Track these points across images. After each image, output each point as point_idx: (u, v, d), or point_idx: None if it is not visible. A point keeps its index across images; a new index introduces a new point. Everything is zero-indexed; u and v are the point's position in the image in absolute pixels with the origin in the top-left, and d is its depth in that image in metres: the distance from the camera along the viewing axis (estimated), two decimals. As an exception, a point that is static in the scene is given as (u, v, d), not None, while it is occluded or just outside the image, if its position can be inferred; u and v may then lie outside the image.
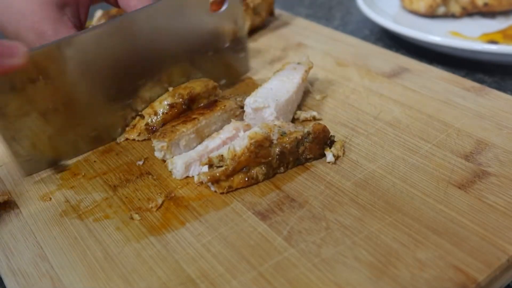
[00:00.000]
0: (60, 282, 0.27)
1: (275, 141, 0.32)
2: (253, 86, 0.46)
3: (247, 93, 0.42)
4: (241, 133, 0.35)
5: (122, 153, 0.38)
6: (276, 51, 0.53)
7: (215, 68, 0.44)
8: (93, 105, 0.37)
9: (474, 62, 0.52)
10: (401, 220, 0.29)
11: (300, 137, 0.33)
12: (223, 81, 0.45)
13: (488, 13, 0.61)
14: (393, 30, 0.56)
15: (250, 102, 0.37)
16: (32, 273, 0.28)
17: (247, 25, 0.55)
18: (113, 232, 0.30)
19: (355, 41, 0.53)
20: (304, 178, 0.33)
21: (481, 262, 0.26)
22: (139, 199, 0.33)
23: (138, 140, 0.38)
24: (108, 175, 0.35)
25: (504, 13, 0.61)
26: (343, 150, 0.35)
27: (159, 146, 0.35)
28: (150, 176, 0.35)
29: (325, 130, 0.34)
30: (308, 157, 0.34)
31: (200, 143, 0.36)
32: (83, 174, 0.36)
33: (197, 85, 0.40)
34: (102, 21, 0.54)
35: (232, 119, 0.36)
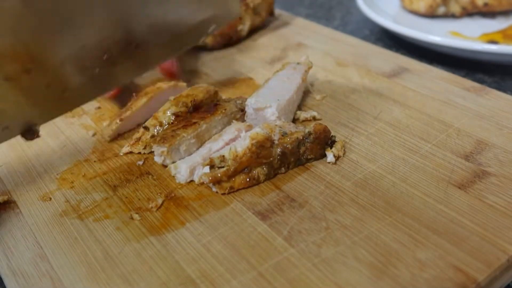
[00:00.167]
0: (60, 282, 0.27)
1: (276, 142, 0.32)
2: (253, 86, 0.46)
3: (247, 93, 0.42)
4: (243, 134, 0.35)
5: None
6: (276, 51, 0.53)
7: (203, 10, 0.41)
8: (63, 65, 0.34)
9: (474, 62, 0.52)
10: (401, 220, 0.29)
11: (301, 137, 0.33)
12: (212, 28, 0.43)
13: (488, 13, 0.61)
14: (393, 30, 0.56)
15: (251, 102, 0.37)
16: (32, 273, 0.28)
17: (247, 25, 0.55)
18: (113, 232, 0.30)
19: (355, 41, 0.53)
20: (304, 178, 0.33)
21: (481, 262, 0.26)
22: (139, 199, 0.33)
23: (144, 153, 0.37)
24: (108, 175, 0.35)
25: (504, 13, 0.61)
26: (344, 150, 0.35)
27: (159, 151, 0.35)
28: (150, 176, 0.35)
29: (326, 131, 0.34)
30: (309, 157, 0.34)
31: (199, 147, 0.36)
32: (83, 174, 0.36)
33: (199, 92, 0.39)
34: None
35: (233, 121, 0.36)
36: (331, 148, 0.34)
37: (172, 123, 0.37)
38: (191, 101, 0.38)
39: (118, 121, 0.39)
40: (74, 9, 0.33)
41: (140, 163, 0.36)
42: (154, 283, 0.27)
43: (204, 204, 0.32)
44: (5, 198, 0.34)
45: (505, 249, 0.27)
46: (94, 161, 0.37)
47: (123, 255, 0.29)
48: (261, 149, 0.32)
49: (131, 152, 0.37)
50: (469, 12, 0.61)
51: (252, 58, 0.51)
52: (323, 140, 0.34)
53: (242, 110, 0.38)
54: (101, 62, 0.36)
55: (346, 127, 0.38)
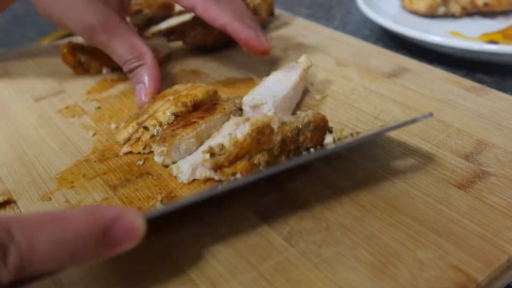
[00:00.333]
0: (60, 282, 0.27)
1: (276, 130, 0.32)
2: (253, 86, 0.46)
3: (247, 93, 0.42)
4: (242, 125, 0.34)
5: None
6: (276, 51, 0.53)
7: None
8: None
9: (474, 62, 0.52)
10: (401, 220, 0.29)
11: (300, 126, 0.33)
12: None
13: (488, 13, 0.61)
14: (393, 30, 0.56)
15: (247, 100, 0.37)
16: (32, 273, 0.28)
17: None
18: (113, 232, 0.30)
19: (355, 41, 0.53)
20: (304, 178, 0.33)
21: (481, 262, 0.26)
22: (139, 199, 0.33)
23: (144, 153, 0.37)
24: (108, 175, 0.35)
25: (504, 13, 0.61)
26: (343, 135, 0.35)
27: (159, 151, 0.35)
28: (150, 176, 0.35)
29: (324, 120, 0.34)
30: (308, 146, 0.34)
31: (200, 146, 0.36)
32: (83, 174, 0.36)
33: (199, 92, 0.39)
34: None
35: (231, 116, 0.36)
36: (331, 133, 0.35)
37: (171, 123, 0.37)
38: (190, 101, 0.38)
39: (135, 125, 0.38)
40: None
41: (140, 163, 0.36)
42: (154, 283, 0.27)
43: (204, 204, 0.32)
44: (5, 198, 0.34)
45: (505, 249, 0.27)
46: (94, 161, 0.37)
47: (123, 255, 0.29)
48: (261, 135, 0.32)
49: (131, 152, 0.37)
50: (469, 12, 0.61)
51: (252, 58, 0.51)
52: (323, 129, 0.34)
53: (241, 109, 0.38)
54: None
55: (346, 127, 0.38)
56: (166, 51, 0.52)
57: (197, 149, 0.36)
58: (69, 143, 0.40)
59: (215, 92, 0.40)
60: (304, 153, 0.34)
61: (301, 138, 0.34)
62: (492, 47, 0.48)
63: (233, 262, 0.27)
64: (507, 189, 0.31)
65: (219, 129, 0.36)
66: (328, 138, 0.34)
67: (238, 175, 0.32)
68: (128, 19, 0.54)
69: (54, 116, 0.44)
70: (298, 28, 0.58)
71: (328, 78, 0.46)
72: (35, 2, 0.41)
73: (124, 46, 0.40)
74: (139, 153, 0.37)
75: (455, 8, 0.61)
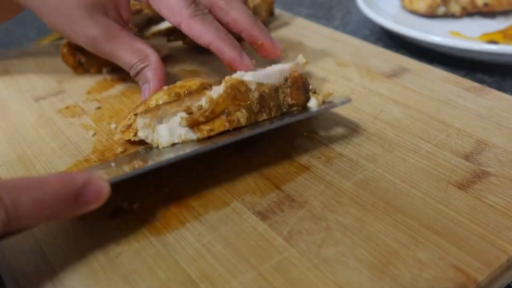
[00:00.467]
0: (60, 282, 0.27)
1: (252, 88, 0.32)
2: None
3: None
4: None
5: (122, 153, 0.38)
6: (276, 51, 0.52)
7: None
8: None
9: (474, 62, 0.52)
10: (401, 220, 0.29)
11: (277, 84, 0.33)
12: None
13: (488, 13, 0.61)
14: (393, 30, 0.56)
15: (228, 77, 0.36)
16: (32, 273, 0.28)
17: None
18: (113, 232, 0.30)
19: (355, 41, 0.53)
20: (304, 178, 0.33)
21: (481, 262, 0.26)
22: (139, 199, 0.33)
23: (134, 141, 0.37)
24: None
25: (504, 13, 0.61)
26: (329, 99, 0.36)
27: (142, 124, 0.34)
28: (150, 176, 0.35)
29: (302, 77, 0.34)
30: (290, 102, 0.34)
31: None
32: (83, 174, 0.36)
33: (193, 84, 0.39)
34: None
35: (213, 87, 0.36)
36: (314, 94, 0.35)
37: None
38: (184, 92, 0.38)
39: (132, 116, 0.38)
40: None
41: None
42: (154, 283, 0.27)
43: (204, 204, 0.32)
44: (5, 198, 0.34)
45: (505, 249, 0.27)
46: (94, 161, 0.37)
47: (123, 255, 0.29)
48: (237, 91, 0.32)
49: (128, 142, 0.37)
50: (469, 12, 0.61)
51: (252, 58, 0.51)
52: (302, 87, 0.34)
53: None
54: None
55: (346, 127, 0.38)
56: (166, 51, 0.52)
57: None
58: (69, 143, 0.40)
59: (210, 85, 0.40)
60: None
61: (281, 96, 0.33)
62: (492, 47, 0.48)
63: (233, 262, 0.27)
64: (507, 189, 0.31)
65: None
66: (312, 102, 0.34)
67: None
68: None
69: (54, 116, 0.43)
70: (298, 28, 0.58)
71: (328, 78, 0.46)
72: (40, 15, 0.43)
73: (128, 52, 0.41)
74: (130, 140, 0.37)
75: (455, 8, 0.61)
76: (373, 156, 0.35)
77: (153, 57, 0.41)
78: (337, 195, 0.32)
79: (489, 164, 0.33)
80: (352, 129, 0.38)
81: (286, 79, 0.33)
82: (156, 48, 0.51)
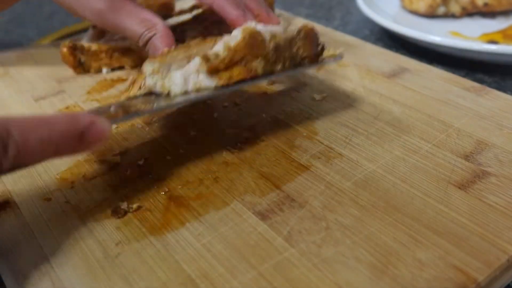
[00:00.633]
0: (60, 282, 0.27)
1: (267, 38, 0.33)
2: (253, 87, 0.46)
3: (247, 93, 0.42)
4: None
5: (122, 152, 0.38)
6: (276, 51, 0.52)
7: None
8: None
9: (474, 62, 0.52)
10: (401, 220, 0.29)
11: (290, 36, 0.34)
12: None
13: (488, 13, 0.61)
14: (393, 30, 0.56)
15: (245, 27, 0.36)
16: (32, 273, 0.28)
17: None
18: (113, 232, 0.30)
19: (355, 41, 0.53)
20: (304, 178, 0.33)
21: (481, 262, 0.26)
22: (139, 199, 0.33)
23: (140, 96, 0.35)
24: (108, 175, 0.35)
25: (504, 13, 0.61)
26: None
27: (150, 69, 0.33)
28: (150, 176, 0.35)
29: (314, 30, 0.35)
30: (303, 55, 0.34)
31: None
32: (83, 174, 0.36)
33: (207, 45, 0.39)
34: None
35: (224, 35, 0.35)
36: (322, 53, 0.36)
37: None
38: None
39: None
40: None
41: (140, 162, 0.36)
42: (154, 283, 0.27)
43: (204, 204, 0.32)
44: (5, 198, 0.34)
45: (505, 249, 0.27)
46: (94, 161, 0.37)
47: (123, 255, 0.29)
48: (254, 40, 0.32)
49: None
50: (469, 12, 0.61)
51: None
52: (313, 39, 0.35)
53: None
54: None
55: (346, 127, 0.38)
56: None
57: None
58: (69, 143, 0.40)
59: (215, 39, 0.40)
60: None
61: (294, 47, 0.34)
62: (492, 47, 0.48)
63: (233, 262, 0.27)
64: (507, 189, 0.31)
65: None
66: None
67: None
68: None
69: (54, 116, 0.43)
70: (298, 28, 0.58)
71: (328, 78, 0.46)
72: None
73: (135, 22, 0.41)
74: (136, 96, 0.35)
75: (455, 8, 0.61)
76: (373, 156, 0.35)
77: (160, 26, 0.41)
78: (337, 195, 0.32)
79: (489, 164, 0.33)
80: (352, 129, 0.38)
81: (299, 32, 0.33)
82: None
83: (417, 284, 0.25)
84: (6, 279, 0.28)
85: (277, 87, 0.45)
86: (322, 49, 0.36)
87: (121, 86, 0.48)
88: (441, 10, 0.62)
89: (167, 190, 0.33)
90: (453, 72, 0.46)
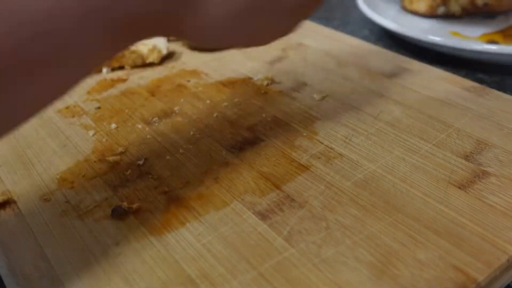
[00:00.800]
0: (60, 282, 0.27)
1: None
2: (253, 86, 0.46)
3: (248, 93, 0.42)
4: None
5: (122, 152, 0.38)
6: (276, 51, 0.53)
7: None
8: None
9: (474, 62, 0.52)
10: (401, 220, 0.29)
11: None
12: None
13: (488, 13, 0.61)
14: (393, 30, 0.56)
15: None
16: (32, 273, 0.28)
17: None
18: (113, 232, 0.30)
19: (355, 41, 0.53)
20: (304, 178, 0.33)
21: (481, 262, 0.26)
22: (139, 199, 0.33)
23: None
24: (108, 175, 0.35)
25: (504, 13, 0.61)
26: None
27: None
28: (150, 176, 0.35)
29: None
30: None
31: None
32: (83, 174, 0.36)
33: None
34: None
35: None
36: None
37: None
38: None
39: None
40: None
41: (140, 162, 0.36)
42: (154, 283, 0.27)
43: (204, 204, 0.32)
44: (5, 198, 0.34)
45: (505, 249, 0.27)
46: (94, 161, 0.37)
47: (123, 255, 0.29)
48: None
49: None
50: (469, 12, 0.61)
51: (252, 58, 0.51)
52: None
53: None
54: None
55: (346, 127, 0.38)
56: (166, 51, 0.52)
57: None
58: (69, 143, 0.40)
59: None
60: None
61: None
62: (492, 47, 0.48)
63: (233, 262, 0.27)
64: (507, 189, 0.31)
65: None
66: None
67: None
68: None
69: (54, 116, 0.44)
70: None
71: (328, 78, 0.46)
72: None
73: None
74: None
75: (455, 8, 0.61)
76: (373, 156, 0.35)
77: None
78: (337, 195, 0.32)
79: (489, 164, 0.33)
80: (352, 129, 0.38)
81: None
82: (156, 48, 0.51)
83: (417, 284, 0.25)
84: (6, 279, 0.28)
85: (277, 87, 0.45)
86: None
87: (122, 86, 0.48)
88: (441, 10, 0.62)
89: (167, 190, 0.33)
90: (453, 72, 0.46)
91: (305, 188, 0.32)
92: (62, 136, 0.41)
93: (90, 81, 0.49)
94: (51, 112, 0.44)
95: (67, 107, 0.45)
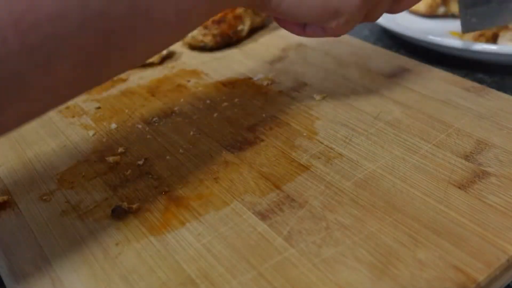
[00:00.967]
0: (60, 282, 0.27)
1: None
2: (253, 86, 0.46)
3: (248, 93, 0.42)
4: None
5: (122, 152, 0.38)
6: (276, 51, 0.53)
7: None
8: None
9: (474, 62, 0.52)
10: (401, 220, 0.29)
11: None
12: None
13: (488, 13, 0.61)
14: (393, 30, 0.56)
15: None
16: (32, 273, 0.28)
17: (247, 25, 0.55)
18: (113, 232, 0.30)
19: (355, 41, 0.53)
20: (304, 178, 0.33)
21: (481, 262, 0.26)
22: (139, 199, 0.33)
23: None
24: (108, 175, 0.35)
25: (504, 13, 0.61)
26: None
27: None
28: (150, 176, 0.35)
29: None
30: None
31: None
32: (83, 174, 0.36)
33: None
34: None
35: None
36: None
37: None
38: None
39: None
40: None
41: (140, 162, 0.36)
42: (154, 283, 0.27)
43: (204, 204, 0.32)
44: (5, 198, 0.34)
45: (505, 249, 0.27)
46: (94, 161, 0.37)
47: (123, 255, 0.29)
48: None
49: None
50: (469, 12, 0.61)
51: (252, 58, 0.51)
52: None
53: None
54: None
55: (346, 127, 0.38)
56: (166, 51, 0.52)
57: None
58: (69, 143, 0.40)
59: None
60: None
61: None
62: (492, 47, 0.48)
63: (233, 262, 0.27)
64: (507, 189, 0.31)
65: None
66: None
67: None
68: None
69: (54, 116, 0.43)
70: (298, 28, 0.58)
71: (328, 78, 0.46)
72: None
73: None
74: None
75: (455, 8, 0.61)
76: (373, 156, 0.35)
77: None
78: (337, 195, 0.32)
79: (489, 164, 0.33)
80: (352, 129, 0.38)
81: None
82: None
83: (417, 284, 0.25)
84: (6, 279, 0.28)
85: (277, 87, 0.45)
86: None
87: (122, 86, 0.48)
88: (441, 10, 0.62)
89: (167, 190, 0.33)
90: (453, 72, 0.46)
91: (305, 188, 0.32)
92: (62, 136, 0.41)
93: (90, 81, 0.49)
94: (51, 112, 0.44)
95: (67, 107, 0.45)
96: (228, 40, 0.54)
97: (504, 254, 0.26)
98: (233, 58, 0.52)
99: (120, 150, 0.38)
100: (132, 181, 0.35)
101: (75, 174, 0.36)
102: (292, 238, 0.28)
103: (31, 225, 0.32)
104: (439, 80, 0.44)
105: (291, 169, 0.34)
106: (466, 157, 0.34)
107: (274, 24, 0.60)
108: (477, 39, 0.52)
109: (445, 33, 0.58)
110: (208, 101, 0.44)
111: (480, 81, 0.46)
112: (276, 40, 0.55)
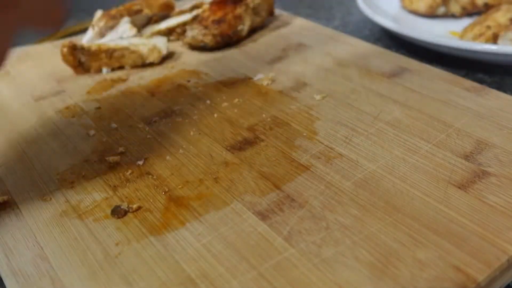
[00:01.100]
0: (60, 282, 0.27)
1: None
2: (253, 86, 0.46)
3: (247, 93, 0.42)
4: None
5: (122, 152, 0.38)
6: (276, 51, 0.53)
7: None
8: None
9: (474, 62, 0.52)
10: (401, 220, 0.29)
11: None
12: None
13: (488, 13, 0.61)
14: (393, 30, 0.56)
15: None
16: (32, 273, 0.28)
17: (247, 25, 0.55)
18: (113, 232, 0.30)
19: (355, 41, 0.53)
20: (304, 178, 0.33)
21: (481, 262, 0.26)
22: (139, 199, 0.33)
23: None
24: (108, 175, 0.35)
25: (504, 13, 0.61)
26: None
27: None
28: (150, 176, 0.35)
29: None
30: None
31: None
32: (83, 174, 0.36)
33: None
34: (102, 22, 0.53)
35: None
36: None
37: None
38: None
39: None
40: None
41: (140, 162, 0.36)
42: (154, 283, 0.27)
43: (204, 204, 0.32)
44: (5, 198, 0.34)
45: (505, 249, 0.27)
46: (94, 161, 0.37)
47: (123, 255, 0.29)
48: None
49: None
50: (469, 12, 0.61)
51: (252, 58, 0.51)
52: None
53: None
54: None
55: (346, 127, 0.38)
56: (166, 51, 0.52)
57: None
58: (69, 143, 0.40)
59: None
60: None
61: None
62: (492, 47, 0.48)
63: (233, 262, 0.27)
64: (507, 189, 0.31)
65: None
66: None
67: None
68: (128, 19, 0.54)
69: (54, 116, 0.44)
70: (298, 28, 0.58)
71: (328, 78, 0.46)
72: None
73: None
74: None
75: (455, 8, 0.61)
76: (373, 156, 0.35)
77: None
78: (337, 195, 0.32)
79: (489, 164, 0.33)
80: (352, 129, 0.38)
81: None
82: (155, 47, 0.51)
83: (417, 284, 0.25)
84: (6, 279, 0.28)
85: (277, 87, 0.45)
86: None
87: (122, 86, 0.48)
88: (441, 10, 0.62)
89: (167, 190, 0.33)
90: (453, 72, 0.46)
91: (305, 188, 0.32)
92: (62, 136, 0.41)
93: (90, 81, 0.49)
94: (51, 112, 0.44)
95: (67, 107, 0.45)
96: (228, 40, 0.54)
97: (504, 254, 0.26)
98: (233, 58, 0.52)
99: (120, 149, 0.38)
100: (132, 181, 0.35)
101: (75, 174, 0.36)
102: (292, 238, 0.28)
103: (31, 225, 0.32)
104: (439, 80, 0.44)
105: (291, 169, 0.34)
106: (466, 157, 0.34)
107: (274, 24, 0.60)
108: (477, 39, 0.52)
109: (445, 33, 0.58)
110: (208, 101, 0.44)
111: (480, 81, 0.46)
112: (276, 40, 0.55)
